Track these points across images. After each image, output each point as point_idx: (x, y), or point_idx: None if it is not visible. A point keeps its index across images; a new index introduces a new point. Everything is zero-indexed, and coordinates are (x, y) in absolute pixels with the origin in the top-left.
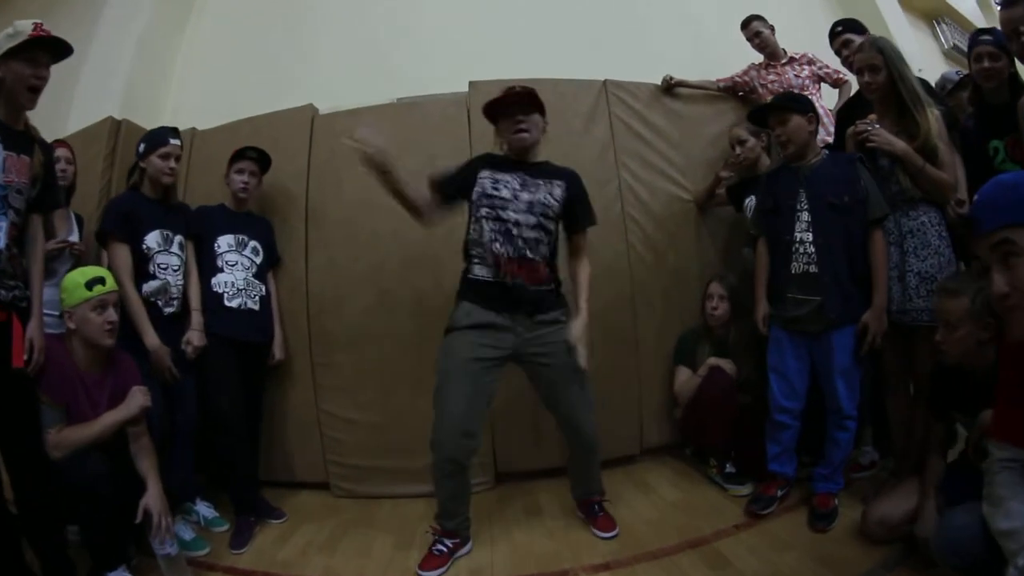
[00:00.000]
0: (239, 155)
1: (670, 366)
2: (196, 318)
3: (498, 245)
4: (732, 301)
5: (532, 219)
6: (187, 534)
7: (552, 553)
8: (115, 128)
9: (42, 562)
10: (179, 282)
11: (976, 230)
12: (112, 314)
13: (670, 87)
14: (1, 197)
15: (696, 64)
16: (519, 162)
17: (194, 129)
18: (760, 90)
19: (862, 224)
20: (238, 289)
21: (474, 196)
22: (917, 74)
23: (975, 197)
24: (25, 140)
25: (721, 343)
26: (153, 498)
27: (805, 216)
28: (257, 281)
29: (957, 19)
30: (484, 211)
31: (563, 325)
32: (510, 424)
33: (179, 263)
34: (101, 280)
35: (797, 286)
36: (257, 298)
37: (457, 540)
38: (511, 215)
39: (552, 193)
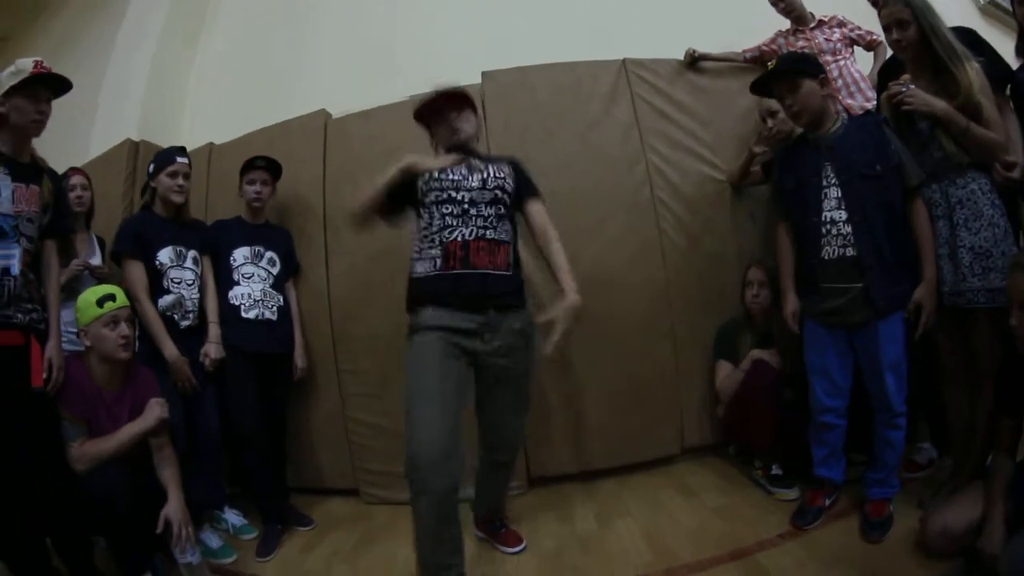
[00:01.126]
0: (249, 165)
1: (710, 360)
2: (213, 331)
3: (452, 231)
4: (774, 287)
5: (487, 195)
6: (214, 542)
7: (583, 566)
8: (133, 150)
9: (70, 572)
10: (194, 296)
11: None
12: (125, 328)
13: (694, 61)
14: (12, 227)
15: (720, 35)
16: (461, 152)
17: (211, 144)
18: None
19: (899, 194)
20: (255, 300)
21: (420, 184)
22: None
23: None
24: (32, 171)
25: (764, 333)
26: (173, 508)
27: (834, 192)
28: (275, 291)
29: None
30: (434, 195)
31: (523, 330)
32: (543, 427)
33: (193, 277)
34: (112, 297)
35: (833, 273)
36: (275, 308)
37: None
38: (465, 194)
39: (502, 169)
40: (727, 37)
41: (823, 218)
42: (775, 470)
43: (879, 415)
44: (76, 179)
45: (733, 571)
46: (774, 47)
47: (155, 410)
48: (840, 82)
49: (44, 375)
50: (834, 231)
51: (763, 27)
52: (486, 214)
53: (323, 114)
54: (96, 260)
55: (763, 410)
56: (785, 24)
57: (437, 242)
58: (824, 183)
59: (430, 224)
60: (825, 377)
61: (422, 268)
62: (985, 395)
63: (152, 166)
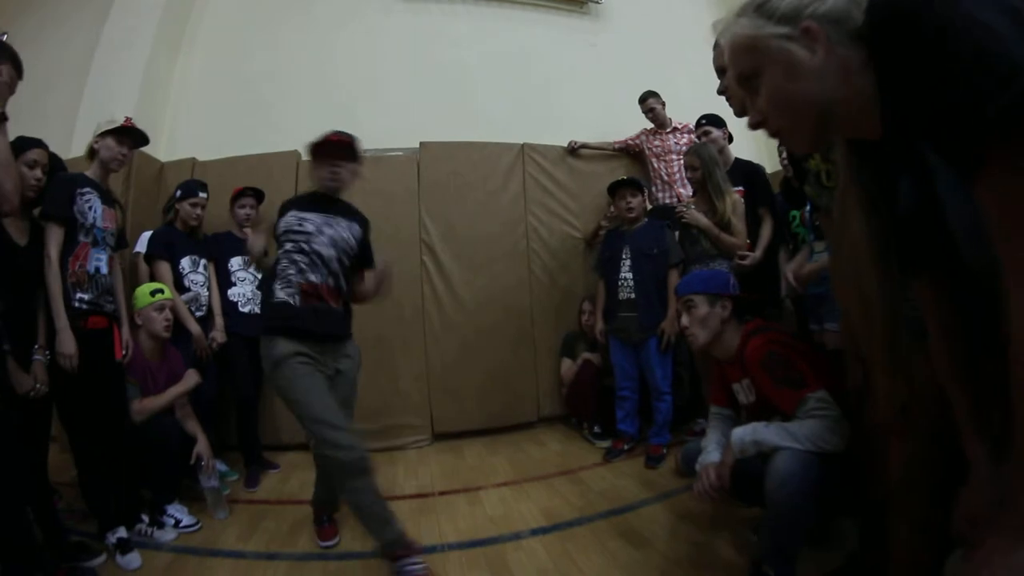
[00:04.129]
0: (240, 194)
1: (557, 358)
2: (219, 322)
3: (307, 275)
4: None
5: (334, 253)
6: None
7: (469, 477)
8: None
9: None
10: (205, 294)
11: (676, 295)
12: (168, 314)
13: (574, 150)
14: (102, 238)
15: (600, 125)
16: (323, 200)
17: (194, 159)
18: (647, 152)
19: (665, 267)
20: (247, 299)
21: (279, 232)
22: None
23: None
24: (112, 197)
25: (592, 342)
26: (203, 446)
27: (628, 263)
28: (261, 292)
29: None
30: (289, 245)
31: (351, 358)
32: (445, 391)
33: (204, 280)
34: (161, 290)
35: (623, 306)
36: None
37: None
38: (316, 247)
39: (352, 232)
40: (606, 127)
41: (620, 276)
42: (596, 429)
43: (652, 394)
44: None
45: (563, 480)
46: (637, 142)
47: (193, 377)
48: (679, 175)
49: (124, 351)
50: (626, 284)
51: (636, 122)
52: (333, 268)
53: (295, 154)
54: None
55: (588, 391)
56: (649, 125)
57: (298, 282)
58: (624, 256)
59: (286, 269)
60: (620, 368)
61: (285, 296)
62: None
63: (179, 192)
